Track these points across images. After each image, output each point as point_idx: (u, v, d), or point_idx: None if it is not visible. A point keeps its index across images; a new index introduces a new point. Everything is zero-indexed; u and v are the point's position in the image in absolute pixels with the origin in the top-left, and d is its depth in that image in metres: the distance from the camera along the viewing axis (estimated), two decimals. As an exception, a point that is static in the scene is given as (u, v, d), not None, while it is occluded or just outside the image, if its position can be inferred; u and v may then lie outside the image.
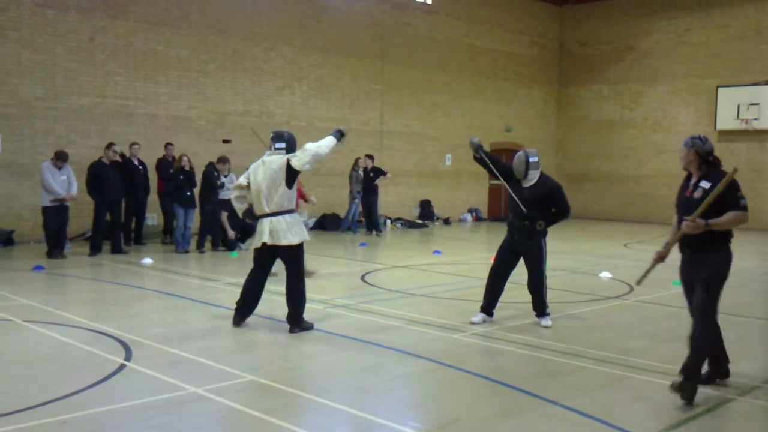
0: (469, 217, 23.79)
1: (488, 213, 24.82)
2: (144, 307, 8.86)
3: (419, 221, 21.67)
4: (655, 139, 24.48)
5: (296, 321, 7.56)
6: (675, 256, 5.87)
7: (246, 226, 14.62)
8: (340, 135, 7.74)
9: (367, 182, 18.20)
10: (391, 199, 21.22)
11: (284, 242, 7.38)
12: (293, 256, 7.57)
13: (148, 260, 12.49)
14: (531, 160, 7.89)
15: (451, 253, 14.75)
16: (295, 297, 7.59)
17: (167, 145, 15.31)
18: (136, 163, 14.62)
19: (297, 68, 19.24)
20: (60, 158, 12.62)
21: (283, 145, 7.57)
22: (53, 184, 12.48)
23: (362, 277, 11.34)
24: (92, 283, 10.75)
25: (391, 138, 21.63)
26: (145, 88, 16.42)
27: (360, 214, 19.05)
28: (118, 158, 13.66)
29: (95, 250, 13.19)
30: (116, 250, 13.45)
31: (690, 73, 23.69)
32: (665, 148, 24.22)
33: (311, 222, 19.33)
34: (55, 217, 12.63)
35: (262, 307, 8.64)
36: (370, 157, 18.59)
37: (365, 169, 18.31)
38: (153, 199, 15.33)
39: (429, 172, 22.83)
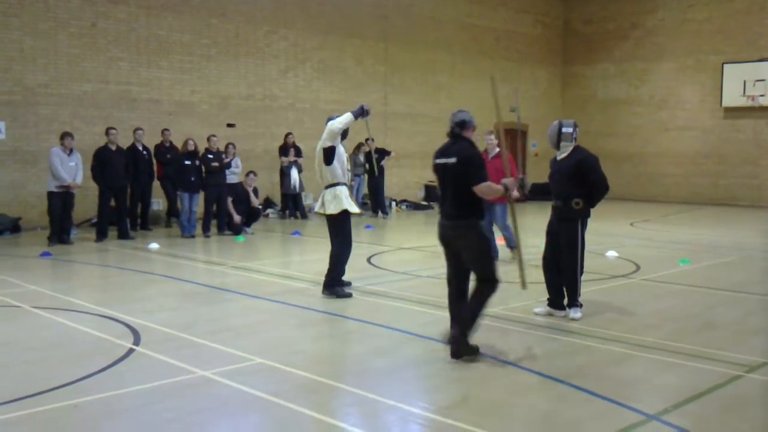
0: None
1: (493, 193, 24.74)
2: (151, 291, 8.90)
3: (425, 203, 21.65)
4: (661, 117, 24.37)
5: (327, 284, 8.33)
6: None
7: (251, 210, 14.64)
8: (360, 111, 8.17)
9: (373, 165, 18.13)
10: (397, 181, 21.19)
11: (325, 211, 8.29)
12: (334, 225, 8.33)
13: (154, 245, 12.52)
14: (564, 130, 7.41)
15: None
16: (330, 262, 8.33)
17: (164, 130, 15.34)
18: (140, 148, 14.63)
19: (300, 51, 19.17)
20: (67, 138, 12.63)
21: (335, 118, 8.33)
22: (60, 170, 12.50)
23: (368, 260, 11.36)
24: (99, 269, 10.79)
25: (395, 119, 21.57)
26: (148, 73, 16.38)
27: (365, 196, 19.03)
28: (118, 144, 13.67)
29: (101, 235, 13.23)
30: (122, 235, 13.48)
31: (695, 50, 23.53)
32: (671, 126, 24.13)
33: (316, 205, 19.31)
34: (60, 202, 12.66)
35: (268, 289, 8.69)
36: (371, 139, 18.52)
37: (369, 152, 18.25)
38: (158, 184, 15.35)
39: (434, 153, 22.71)
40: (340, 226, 8.34)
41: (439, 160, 6.10)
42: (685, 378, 5.57)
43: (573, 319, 7.30)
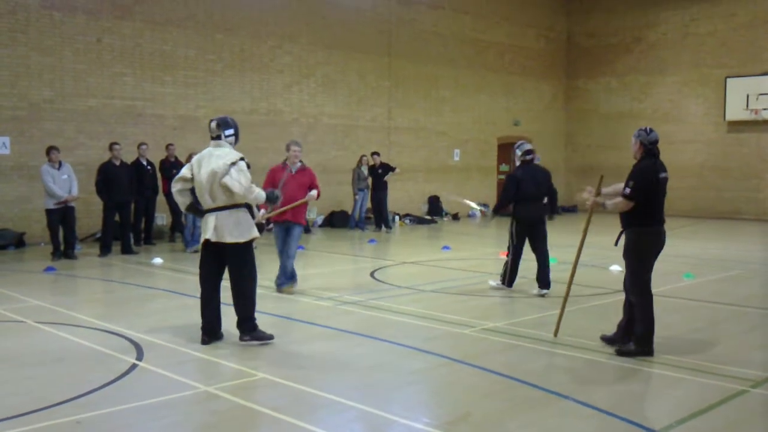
0: (477, 212, 23.75)
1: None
2: (155, 306, 8.90)
3: (428, 217, 21.66)
4: (665, 130, 24.16)
5: (246, 328, 6.90)
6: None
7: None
8: (271, 199, 7.36)
9: (376, 179, 18.20)
10: (400, 195, 21.21)
11: (229, 239, 6.76)
12: (240, 256, 6.89)
13: (158, 260, 12.53)
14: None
15: (460, 249, 14.74)
16: (242, 301, 6.90)
17: (168, 145, 15.37)
18: (145, 163, 14.67)
19: (304, 65, 19.25)
20: (53, 152, 12.61)
21: (232, 131, 7.01)
22: (53, 187, 12.49)
23: (371, 274, 11.35)
24: (103, 284, 10.80)
25: (398, 134, 21.62)
26: (153, 88, 16.45)
27: (368, 210, 19.06)
28: (122, 159, 13.72)
29: (105, 250, 13.25)
30: (126, 250, 13.50)
31: (698, 64, 23.57)
32: (674, 139, 24.08)
33: (320, 219, 19.36)
34: (60, 218, 12.68)
35: (271, 304, 8.66)
36: (377, 153, 18.62)
37: (373, 166, 18.31)
38: (162, 198, 15.37)
39: (437, 167, 22.81)
40: (248, 256, 6.96)
41: (664, 174, 6.59)
42: (690, 393, 5.55)
43: (491, 287, 9.80)
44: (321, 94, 19.64)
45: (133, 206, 14.17)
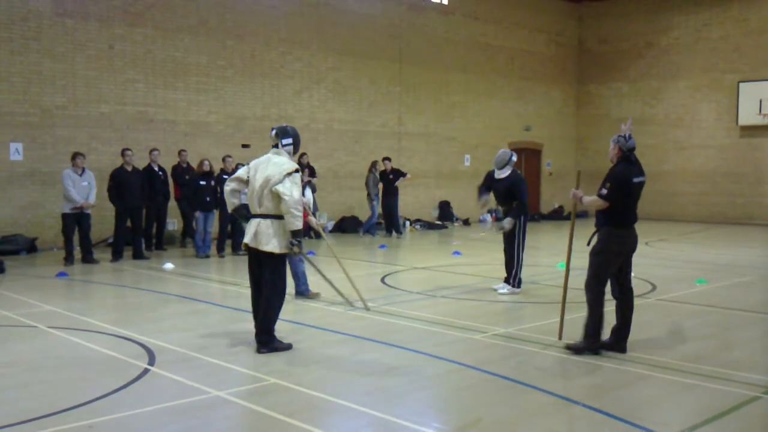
0: (488, 217, 23.71)
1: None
2: (166, 311, 8.92)
3: (438, 222, 21.63)
4: (676, 136, 24.29)
5: (264, 340, 6.81)
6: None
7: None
8: (296, 239, 6.76)
9: (387, 184, 18.21)
10: (411, 200, 21.22)
11: (266, 248, 6.72)
12: (273, 266, 6.84)
13: (169, 265, 12.58)
14: (512, 158, 10.42)
15: (471, 254, 14.71)
16: (268, 311, 6.84)
17: (181, 151, 15.47)
18: (156, 169, 14.75)
19: (315, 71, 19.31)
20: (78, 158, 12.81)
21: (290, 140, 7.10)
22: (73, 192, 12.62)
23: (382, 279, 11.35)
24: (115, 289, 10.84)
25: (409, 139, 21.63)
26: (165, 94, 16.54)
27: (379, 216, 19.07)
28: (134, 164, 13.81)
29: (117, 256, 13.32)
30: (138, 255, 13.56)
31: (710, 69, 23.49)
32: (687, 144, 24.05)
33: (330, 225, 19.38)
34: (74, 223, 12.79)
35: (283, 309, 8.66)
36: (388, 159, 18.63)
37: (384, 172, 18.32)
38: (173, 204, 15.45)
39: (448, 173, 22.80)
40: (282, 267, 6.95)
41: (639, 179, 6.92)
42: (703, 399, 5.52)
43: (499, 293, 9.88)
44: (331, 99, 19.69)
45: (144, 212, 14.25)
